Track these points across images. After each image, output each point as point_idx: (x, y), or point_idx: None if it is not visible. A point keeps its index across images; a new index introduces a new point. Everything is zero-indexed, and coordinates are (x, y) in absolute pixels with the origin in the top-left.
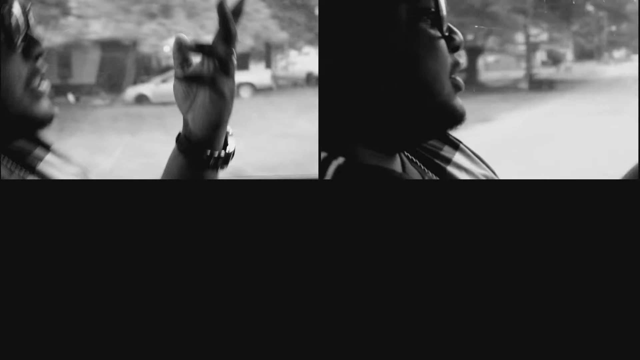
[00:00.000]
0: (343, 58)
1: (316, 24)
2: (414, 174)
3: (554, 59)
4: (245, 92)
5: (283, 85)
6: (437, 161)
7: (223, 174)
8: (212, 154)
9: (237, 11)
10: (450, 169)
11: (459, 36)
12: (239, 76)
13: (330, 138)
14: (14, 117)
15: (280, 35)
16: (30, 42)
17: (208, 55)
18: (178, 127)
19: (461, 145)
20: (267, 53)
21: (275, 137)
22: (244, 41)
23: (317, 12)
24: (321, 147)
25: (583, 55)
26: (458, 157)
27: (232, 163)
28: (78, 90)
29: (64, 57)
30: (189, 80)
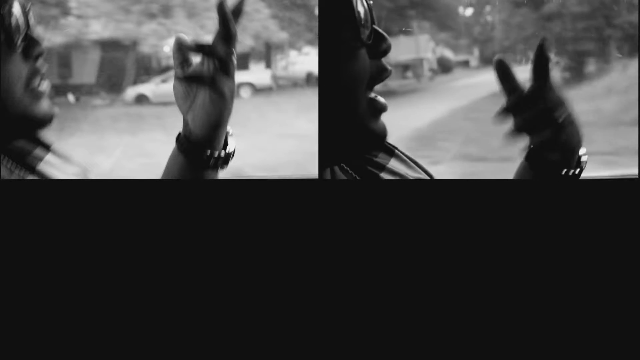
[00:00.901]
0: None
1: (316, 24)
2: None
3: (445, 67)
4: (245, 92)
5: (283, 85)
6: (370, 168)
7: (223, 174)
8: (212, 154)
9: (237, 11)
10: (384, 175)
11: (387, 41)
12: (239, 76)
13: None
14: (14, 117)
15: (280, 35)
16: (30, 42)
17: (208, 55)
18: (178, 127)
19: (396, 151)
20: (267, 53)
21: (275, 137)
22: (244, 41)
23: (317, 12)
24: (321, 147)
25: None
26: (393, 163)
27: (232, 163)
28: (78, 90)
29: (64, 57)
30: (189, 80)
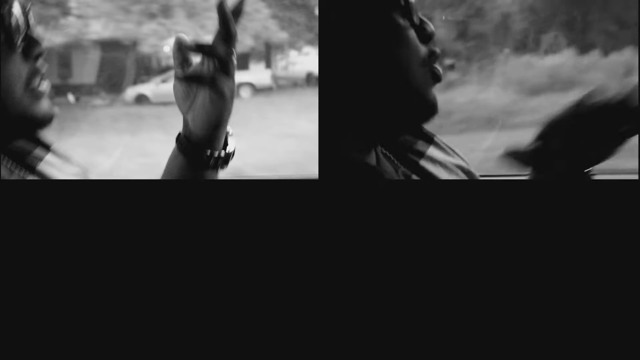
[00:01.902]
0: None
1: (316, 24)
2: (388, 168)
3: None
4: (245, 92)
5: (283, 85)
6: (410, 155)
7: (223, 174)
8: (212, 154)
9: (237, 11)
10: (423, 162)
11: (430, 26)
12: (239, 76)
13: (330, 136)
14: (14, 117)
15: (280, 35)
16: (30, 42)
17: (208, 55)
18: (178, 127)
19: (435, 138)
20: (267, 53)
21: (275, 137)
22: (244, 41)
23: (317, 12)
24: (321, 147)
25: None
26: (432, 151)
27: (232, 163)
28: (78, 90)
29: (64, 57)
30: (189, 80)
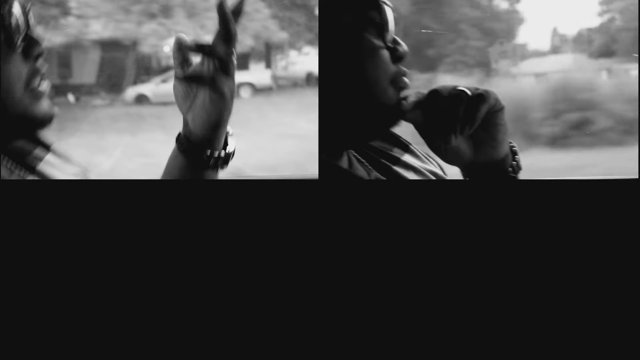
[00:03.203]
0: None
1: (316, 24)
2: (360, 171)
3: None
4: (245, 92)
5: (283, 85)
6: (383, 160)
7: (223, 174)
8: (212, 154)
9: (237, 11)
10: (397, 168)
11: (403, 47)
12: (239, 76)
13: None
14: (14, 117)
15: (280, 35)
16: (30, 42)
17: (208, 55)
18: (178, 127)
19: (411, 146)
20: (267, 53)
21: (275, 137)
22: (244, 41)
23: (317, 12)
24: (321, 147)
25: None
26: (407, 157)
27: (232, 163)
28: (78, 90)
29: (64, 57)
30: (189, 80)
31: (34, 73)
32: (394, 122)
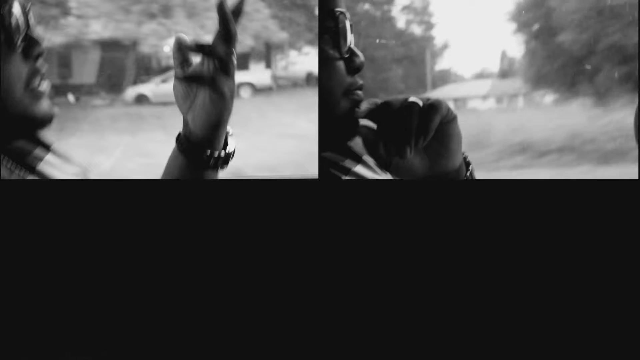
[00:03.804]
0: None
1: (316, 24)
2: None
3: None
4: (245, 92)
5: (283, 85)
6: (332, 171)
7: (223, 174)
8: (212, 154)
9: (237, 11)
10: (347, 177)
11: (359, 59)
12: (239, 76)
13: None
14: (14, 117)
15: (280, 35)
16: (30, 42)
17: (208, 55)
18: (178, 127)
19: (363, 158)
20: (267, 53)
21: (275, 137)
22: (244, 41)
23: (317, 12)
24: (321, 147)
25: None
26: (359, 169)
27: (232, 163)
28: (78, 90)
29: (64, 57)
30: (189, 80)
31: (34, 73)
32: (349, 136)
